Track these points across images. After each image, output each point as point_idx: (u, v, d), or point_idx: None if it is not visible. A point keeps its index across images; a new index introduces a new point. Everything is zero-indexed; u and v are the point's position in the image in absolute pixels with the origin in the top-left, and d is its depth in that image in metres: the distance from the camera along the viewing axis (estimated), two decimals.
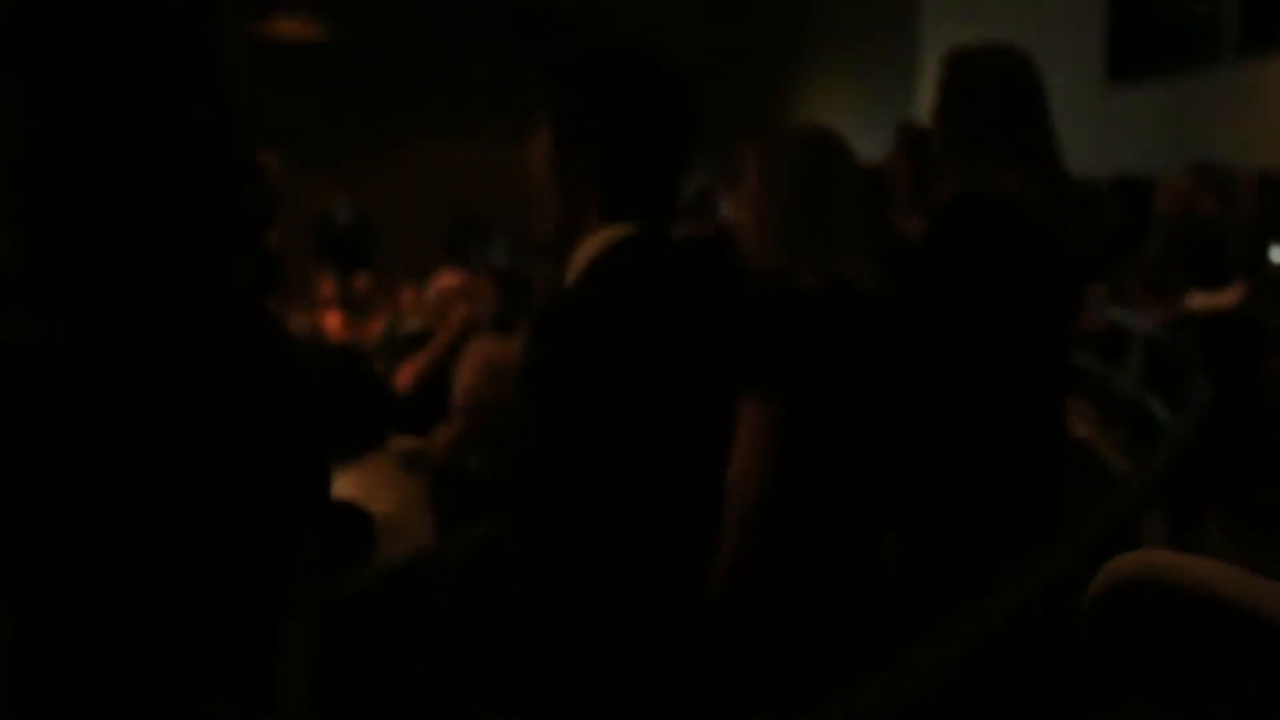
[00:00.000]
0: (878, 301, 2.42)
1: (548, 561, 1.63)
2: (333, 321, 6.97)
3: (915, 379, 2.46)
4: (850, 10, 13.36)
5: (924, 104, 2.60)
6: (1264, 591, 0.89)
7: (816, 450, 2.35)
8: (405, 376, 5.25)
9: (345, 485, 2.79)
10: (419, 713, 2.61)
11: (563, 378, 1.62)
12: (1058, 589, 1.34)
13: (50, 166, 1.06)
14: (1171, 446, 2.47)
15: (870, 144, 4.23)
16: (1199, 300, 5.82)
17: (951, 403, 2.44)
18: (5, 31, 1.07)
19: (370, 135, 13.93)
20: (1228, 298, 5.67)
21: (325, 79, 13.89)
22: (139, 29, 1.08)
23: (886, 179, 3.84)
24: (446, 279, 5.85)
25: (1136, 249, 6.69)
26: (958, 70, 2.53)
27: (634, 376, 1.62)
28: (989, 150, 2.47)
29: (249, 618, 1.14)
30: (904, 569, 2.48)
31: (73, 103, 1.06)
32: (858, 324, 2.39)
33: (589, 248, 1.73)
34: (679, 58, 1.82)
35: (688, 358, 1.71)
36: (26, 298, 1.05)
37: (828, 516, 2.38)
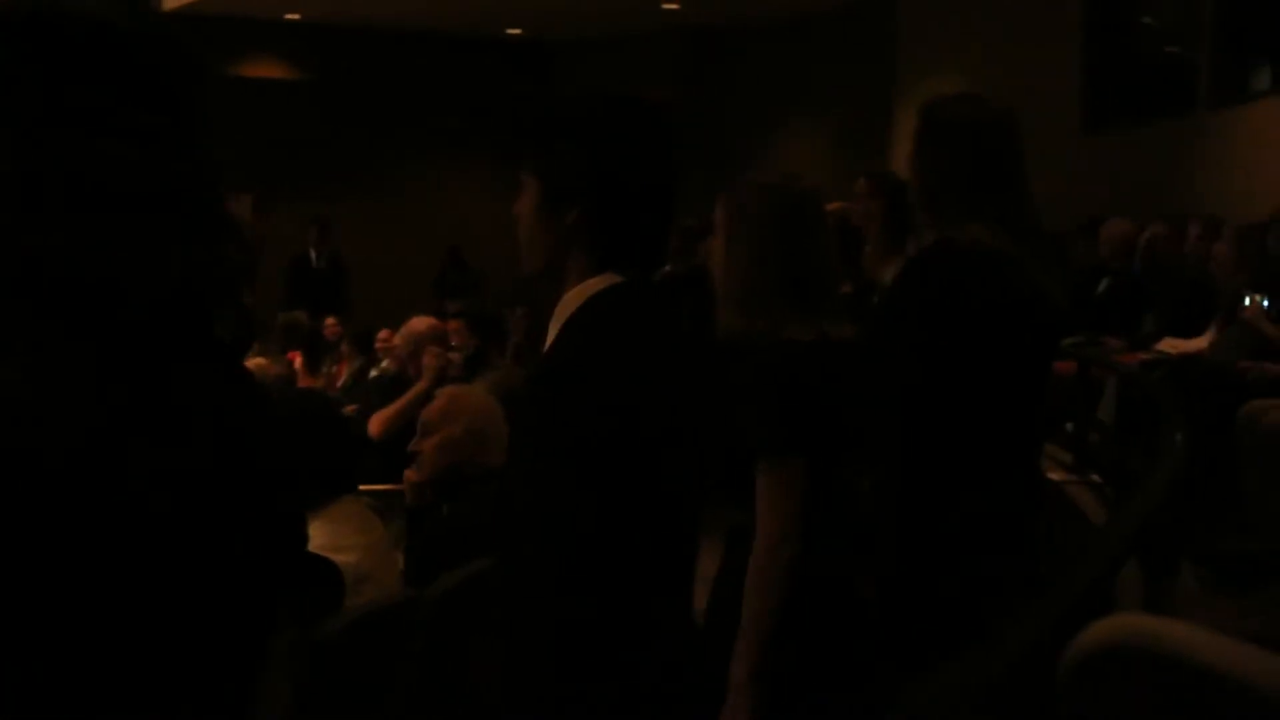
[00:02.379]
0: (855, 351, 2.44)
1: (549, 606, 1.65)
2: (299, 363, 6.96)
3: (892, 427, 2.46)
4: (827, 59, 13.49)
5: (900, 153, 2.61)
6: (1241, 656, 0.88)
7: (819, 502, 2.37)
8: (378, 423, 5.24)
9: (315, 532, 2.76)
10: None
11: (562, 434, 1.63)
12: (1036, 649, 1.34)
13: (23, 222, 1.05)
14: (1147, 499, 2.47)
15: (847, 193, 4.25)
16: (1171, 345, 5.86)
17: (927, 450, 2.43)
18: None
19: (345, 177, 13.95)
20: (1199, 343, 5.72)
21: (300, 121, 13.92)
22: (115, 84, 1.08)
23: (860, 227, 3.86)
24: (417, 323, 5.86)
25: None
26: (932, 121, 2.54)
27: (631, 428, 1.64)
28: (962, 201, 2.48)
29: (226, 673, 1.13)
30: (882, 615, 2.47)
31: (48, 158, 1.05)
32: (841, 375, 2.41)
33: (576, 298, 1.73)
34: (659, 105, 1.83)
35: (678, 402, 1.73)
36: (3, 355, 1.04)
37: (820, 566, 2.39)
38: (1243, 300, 5.31)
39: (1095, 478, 5.21)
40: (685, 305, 2.02)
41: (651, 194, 1.75)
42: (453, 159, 14.82)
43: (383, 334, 6.95)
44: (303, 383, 6.70)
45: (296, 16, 13.94)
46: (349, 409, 5.65)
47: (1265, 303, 5.22)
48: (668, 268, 5.84)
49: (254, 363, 5.77)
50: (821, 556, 2.39)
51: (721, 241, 2.49)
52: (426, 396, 4.21)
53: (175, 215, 1.09)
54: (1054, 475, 4.96)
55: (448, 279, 12.97)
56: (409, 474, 3.36)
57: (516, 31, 14.80)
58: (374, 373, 6.59)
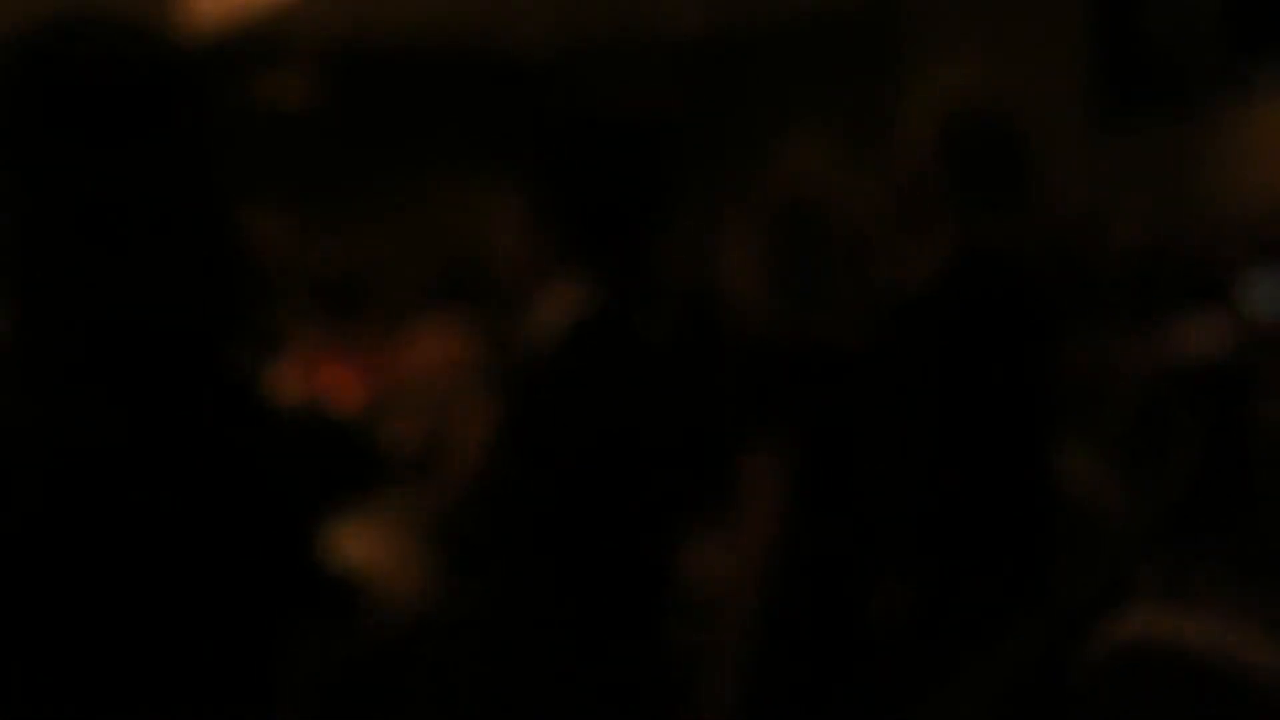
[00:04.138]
0: (860, 358, 2.45)
1: (525, 625, 1.66)
2: (332, 375, 6.94)
3: (916, 434, 2.47)
4: (833, 64, 13.45)
5: (903, 153, 2.63)
6: (1259, 652, 0.90)
7: (812, 503, 2.37)
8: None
9: (339, 543, 2.77)
10: None
11: (533, 453, 1.64)
12: (1054, 649, 1.35)
13: (36, 255, 1.06)
14: (1163, 496, 2.48)
15: (852, 196, 4.25)
16: (1183, 342, 5.84)
17: (956, 456, 2.44)
18: None
19: (360, 190, 13.96)
20: (1212, 340, 5.70)
21: (319, 137, 13.93)
22: (123, 113, 1.07)
23: (872, 229, 3.85)
24: (430, 334, 5.84)
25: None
26: (941, 121, 2.55)
27: (603, 441, 1.65)
28: (981, 200, 2.49)
29: (241, 691, 1.13)
30: (897, 620, 2.48)
31: (57, 190, 1.05)
32: (834, 376, 2.41)
33: (553, 311, 1.75)
34: (657, 114, 1.84)
35: (652, 422, 1.73)
36: (17, 383, 1.05)
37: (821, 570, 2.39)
38: (1250, 295, 5.30)
39: (1112, 478, 5.19)
40: (679, 318, 2.04)
41: (632, 208, 1.76)
42: (463, 175, 14.80)
43: (401, 347, 6.93)
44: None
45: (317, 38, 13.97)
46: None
47: (1275, 298, 5.22)
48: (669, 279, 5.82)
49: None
50: (816, 553, 2.39)
51: (724, 247, 2.51)
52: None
53: (183, 241, 1.09)
54: (1071, 476, 4.95)
55: (454, 291, 12.90)
56: (437, 485, 3.36)
57: (520, 45, 14.79)
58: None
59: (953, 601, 2.41)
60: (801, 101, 13.86)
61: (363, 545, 2.88)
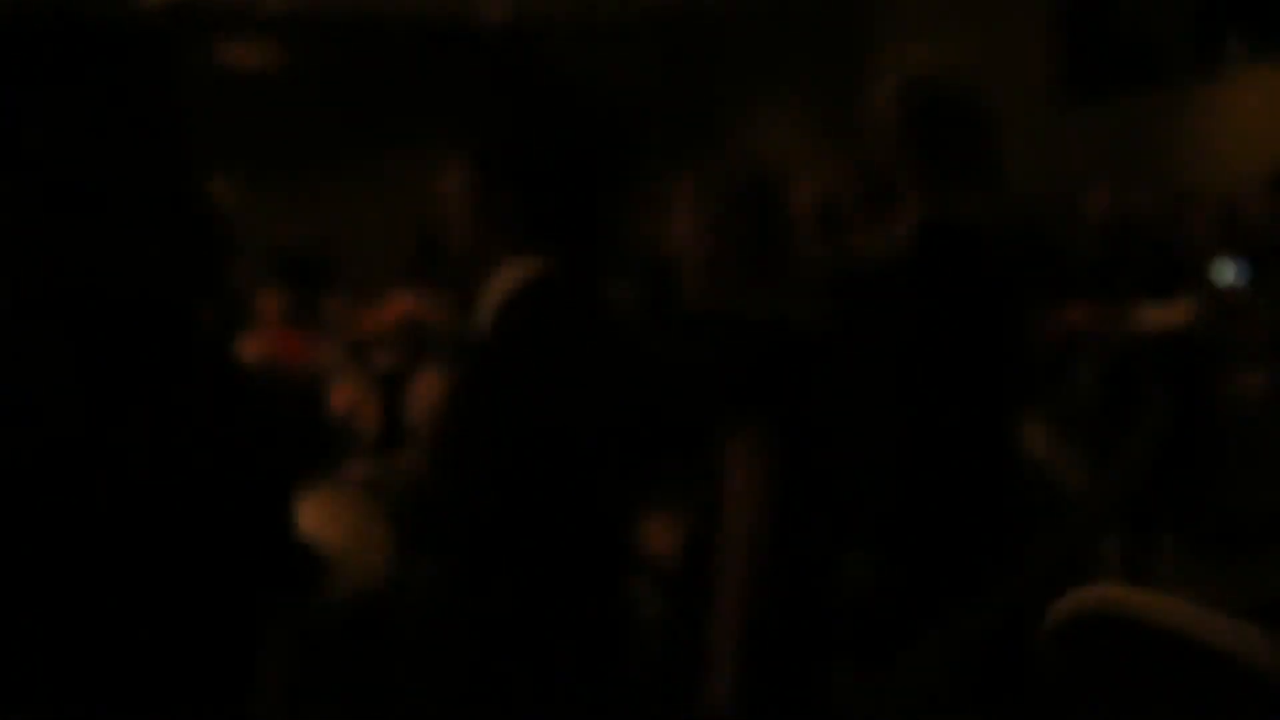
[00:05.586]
0: (818, 332, 2.45)
1: (476, 598, 1.65)
2: (289, 344, 6.91)
3: (886, 407, 2.47)
4: (802, 39, 13.44)
5: (871, 128, 2.62)
6: (1212, 623, 0.90)
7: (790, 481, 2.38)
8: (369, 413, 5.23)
9: (299, 517, 2.76)
10: None
11: (480, 424, 1.64)
12: (1016, 617, 1.35)
13: (4, 222, 1.05)
14: (1126, 469, 2.49)
15: (824, 171, 4.25)
16: (1149, 315, 5.87)
17: (922, 428, 2.44)
18: None
19: (326, 158, 13.88)
20: (1178, 313, 5.73)
21: (280, 103, 13.84)
22: (82, 77, 1.07)
23: (837, 204, 3.85)
24: (402, 302, 5.82)
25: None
26: (917, 95, 2.55)
27: (549, 418, 1.64)
28: (950, 174, 2.49)
29: (212, 657, 1.13)
30: (869, 590, 2.49)
31: (26, 158, 1.05)
32: (799, 354, 2.42)
33: (503, 282, 1.73)
34: (630, 90, 1.83)
35: (604, 390, 1.73)
36: None
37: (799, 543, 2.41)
38: (1219, 270, 5.34)
39: (1073, 447, 5.22)
40: (643, 290, 2.03)
41: (582, 178, 1.76)
42: (432, 144, 14.74)
43: (366, 316, 6.90)
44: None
45: (280, 4, 13.85)
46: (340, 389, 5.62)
47: (1239, 271, 5.25)
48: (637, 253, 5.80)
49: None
50: (797, 535, 2.40)
51: (683, 222, 2.50)
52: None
53: (149, 206, 1.09)
54: (1033, 447, 4.98)
55: (419, 262, 12.85)
56: (401, 455, 3.36)
57: (495, 18, 14.72)
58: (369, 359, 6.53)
59: (917, 571, 2.43)
60: (767, 75, 13.87)
61: (325, 516, 2.87)
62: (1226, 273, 5.31)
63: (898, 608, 2.42)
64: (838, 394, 2.48)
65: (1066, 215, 7.36)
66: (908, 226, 2.54)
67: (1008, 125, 2.57)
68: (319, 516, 2.81)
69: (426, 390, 3.29)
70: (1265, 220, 5.74)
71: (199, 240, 1.13)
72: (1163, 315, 5.79)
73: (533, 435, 1.62)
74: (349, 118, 14.22)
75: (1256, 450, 4.44)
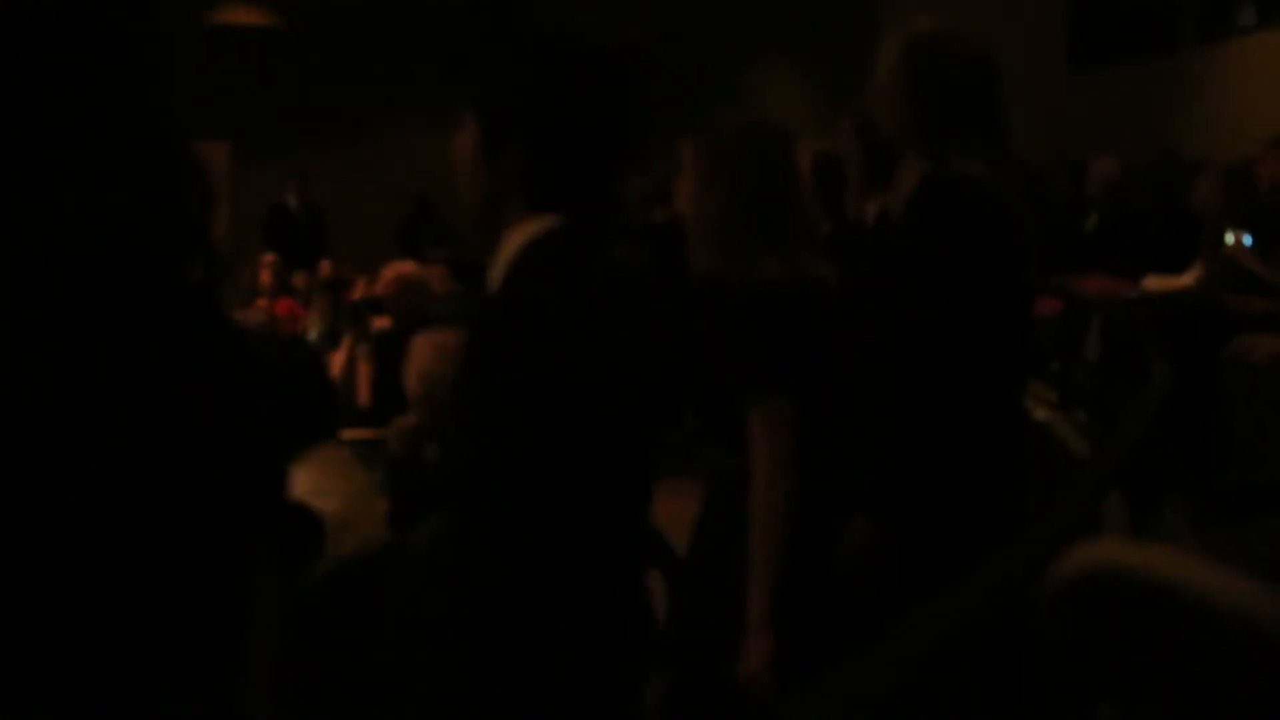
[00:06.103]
0: (831, 293, 2.43)
1: (495, 557, 1.62)
2: (284, 308, 6.93)
3: (889, 363, 2.45)
4: (810, 3, 13.37)
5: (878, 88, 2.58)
6: (1216, 578, 0.87)
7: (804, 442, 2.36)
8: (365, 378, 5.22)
9: (296, 479, 2.75)
10: (379, 707, 2.59)
11: (496, 382, 1.61)
12: (1020, 581, 1.34)
13: None
14: (1130, 432, 2.46)
15: (828, 132, 4.22)
16: (1155, 282, 5.85)
17: (928, 387, 2.42)
18: None
19: (323, 124, 13.83)
20: (1185, 280, 5.72)
21: (278, 67, 13.77)
22: (71, 34, 1.05)
23: (841, 166, 3.83)
24: (401, 265, 5.82)
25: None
26: (923, 56, 2.52)
27: (572, 372, 1.61)
28: (955, 135, 2.47)
29: (209, 618, 1.12)
30: (874, 555, 2.47)
31: (7, 114, 1.03)
32: (818, 315, 2.39)
33: (515, 240, 1.71)
34: (632, 48, 1.80)
35: (620, 346, 1.70)
36: None
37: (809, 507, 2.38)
38: (1226, 237, 5.30)
39: (1080, 415, 5.21)
40: (656, 251, 2.00)
41: (594, 136, 1.73)
42: (427, 108, 14.68)
43: (360, 283, 6.91)
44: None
45: None
46: (334, 355, 5.63)
47: (1249, 239, 5.22)
48: (658, 215, 5.75)
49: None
50: (811, 495, 2.38)
51: (692, 183, 2.47)
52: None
53: (133, 161, 1.07)
54: (1039, 413, 4.97)
55: (414, 228, 12.83)
56: (400, 420, 3.35)
57: None
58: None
59: (921, 532, 2.41)
60: (770, 42, 13.80)
61: (323, 479, 2.85)
62: (1233, 238, 5.28)
63: (899, 574, 2.41)
64: (839, 356, 2.46)
65: (1073, 182, 7.33)
66: (909, 187, 2.52)
67: (1014, 92, 2.53)
68: (317, 479, 2.80)
69: (422, 353, 3.27)
70: (1272, 184, 5.70)
71: (185, 194, 1.11)
72: (1169, 281, 5.77)
73: (550, 391, 1.59)
74: (346, 77, 14.16)
75: (1262, 416, 4.42)
